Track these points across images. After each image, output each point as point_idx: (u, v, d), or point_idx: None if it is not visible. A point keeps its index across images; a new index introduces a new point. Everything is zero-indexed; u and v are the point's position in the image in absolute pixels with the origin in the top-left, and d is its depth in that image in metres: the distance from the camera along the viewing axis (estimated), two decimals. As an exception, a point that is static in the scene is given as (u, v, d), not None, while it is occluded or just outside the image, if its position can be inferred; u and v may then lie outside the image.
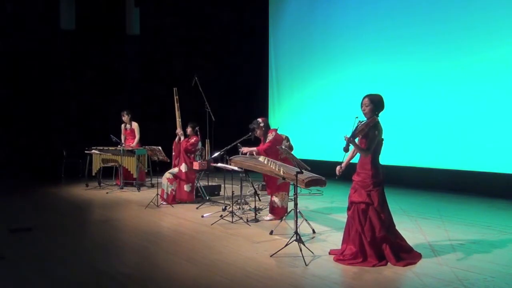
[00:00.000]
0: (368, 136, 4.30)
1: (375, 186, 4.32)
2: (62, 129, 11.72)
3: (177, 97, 8.36)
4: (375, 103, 4.35)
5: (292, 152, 4.93)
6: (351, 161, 4.63)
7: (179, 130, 7.88)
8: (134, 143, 9.61)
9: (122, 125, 9.82)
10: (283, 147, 5.28)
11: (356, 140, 4.37)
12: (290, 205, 6.56)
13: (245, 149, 6.45)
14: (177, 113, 8.19)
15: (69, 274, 4.15)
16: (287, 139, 7.37)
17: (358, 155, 4.54)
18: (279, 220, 6.04)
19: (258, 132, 6.40)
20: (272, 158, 5.96)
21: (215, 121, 8.80)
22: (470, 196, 8.19)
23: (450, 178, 8.74)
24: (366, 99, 4.39)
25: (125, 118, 9.68)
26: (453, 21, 8.64)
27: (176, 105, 8.30)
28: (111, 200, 8.15)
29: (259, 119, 6.45)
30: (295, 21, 12.19)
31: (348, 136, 4.25)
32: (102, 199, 8.21)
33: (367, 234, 4.26)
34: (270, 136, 6.29)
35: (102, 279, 4.00)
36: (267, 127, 6.43)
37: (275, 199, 6.28)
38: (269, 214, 6.36)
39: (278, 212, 6.27)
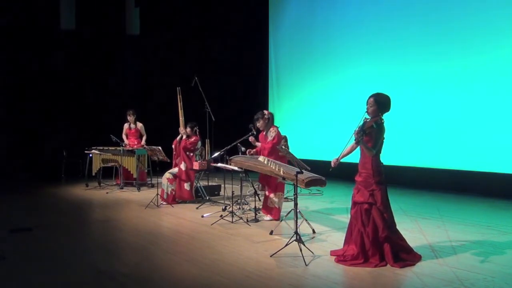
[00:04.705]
0: (373, 135, 4.29)
1: (378, 184, 4.31)
2: (62, 129, 11.73)
3: (180, 96, 8.36)
4: (379, 105, 4.32)
5: (292, 152, 4.93)
6: (352, 162, 4.62)
7: (182, 129, 7.88)
8: (143, 141, 9.66)
9: (126, 124, 9.84)
10: (283, 147, 5.28)
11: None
12: (286, 205, 6.58)
13: (252, 139, 6.45)
14: (180, 112, 8.19)
15: (69, 274, 4.15)
16: (285, 139, 7.36)
17: (355, 153, 4.53)
18: (279, 220, 6.04)
19: (261, 122, 6.34)
20: (275, 156, 5.97)
21: (215, 121, 8.80)
22: (470, 196, 8.19)
23: (450, 178, 8.74)
24: (372, 99, 4.35)
25: (131, 118, 9.71)
26: (454, 22, 8.64)
27: (180, 104, 8.30)
28: (111, 200, 8.15)
29: (265, 111, 6.44)
30: (295, 21, 12.19)
31: (356, 131, 4.20)
32: (102, 199, 8.21)
33: (369, 234, 4.25)
34: (273, 132, 6.28)
35: (102, 279, 4.00)
36: (270, 121, 6.40)
37: (275, 199, 6.26)
38: (268, 214, 6.34)
39: (275, 213, 6.27)
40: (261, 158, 5.90)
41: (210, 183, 8.66)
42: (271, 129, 6.34)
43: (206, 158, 7.95)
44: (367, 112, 4.35)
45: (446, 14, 8.76)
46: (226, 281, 3.88)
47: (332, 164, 4.43)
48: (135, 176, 9.17)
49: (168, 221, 6.43)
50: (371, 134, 4.28)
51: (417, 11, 9.25)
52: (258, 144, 6.46)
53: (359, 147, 4.40)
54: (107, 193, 8.85)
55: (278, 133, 6.33)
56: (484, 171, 8.19)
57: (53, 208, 7.54)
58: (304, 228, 5.46)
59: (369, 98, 4.39)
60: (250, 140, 6.54)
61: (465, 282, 3.77)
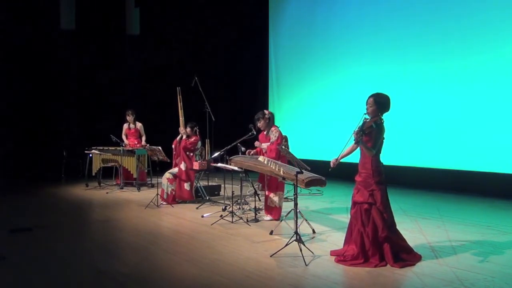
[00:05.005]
0: (373, 135, 4.29)
1: (377, 184, 4.30)
2: (62, 129, 11.73)
3: (180, 96, 8.37)
4: (379, 105, 4.33)
5: (292, 152, 4.93)
6: (352, 162, 4.62)
7: (182, 129, 7.89)
8: (142, 142, 9.67)
9: (125, 125, 9.85)
10: (283, 147, 5.28)
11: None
12: (286, 205, 6.58)
13: (257, 143, 6.45)
14: (180, 112, 8.20)
15: (69, 274, 4.15)
16: (286, 139, 7.35)
17: (355, 153, 4.53)
18: (279, 220, 6.04)
19: (262, 123, 6.34)
20: (278, 156, 5.96)
21: (215, 121, 8.80)
22: (470, 196, 8.19)
23: (450, 178, 8.74)
24: (371, 99, 4.36)
25: (130, 118, 9.71)
26: (454, 22, 8.64)
27: (180, 104, 8.31)
28: (111, 200, 8.15)
29: (265, 111, 6.44)
30: (295, 21, 12.19)
31: (355, 131, 4.21)
32: (102, 199, 8.21)
33: (369, 234, 4.25)
34: (275, 132, 6.28)
35: (102, 279, 4.00)
36: (271, 121, 6.40)
37: (275, 198, 6.26)
38: (269, 214, 6.34)
39: (276, 212, 6.27)
40: (261, 158, 5.90)
41: (210, 183, 8.66)
42: (272, 128, 6.34)
43: (206, 158, 7.95)
44: (367, 112, 4.35)
45: (446, 14, 8.76)
46: (226, 281, 3.88)
47: (331, 165, 4.43)
48: (135, 176, 9.17)
49: (168, 221, 6.43)
50: (370, 134, 4.28)
51: (417, 11, 9.24)
52: (264, 146, 6.42)
53: (359, 147, 4.40)
54: (107, 193, 8.85)
55: (280, 133, 6.33)
56: (484, 171, 8.19)
57: (53, 208, 7.54)
58: (304, 228, 5.46)
59: (368, 98, 4.39)
60: (256, 145, 6.52)
61: (465, 282, 3.77)
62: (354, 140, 4.21)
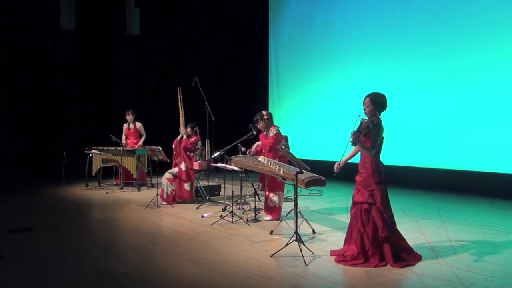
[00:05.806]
0: (371, 135, 4.29)
1: (377, 184, 4.30)
2: (62, 129, 11.73)
3: (180, 96, 8.37)
4: (375, 104, 4.34)
5: (292, 152, 4.92)
6: (352, 162, 4.62)
7: (182, 129, 7.89)
8: (140, 142, 9.65)
9: (125, 125, 9.84)
10: (283, 147, 5.28)
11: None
12: (286, 205, 6.58)
13: (253, 148, 6.46)
14: (181, 112, 8.20)
15: (69, 274, 4.15)
16: (286, 139, 7.35)
17: (358, 155, 4.54)
18: (279, 220, 6.04)
19: (261, 124, 6.36)
20: (275, 154, 5.95)
21: (215, 121, 8.80)
22: (470, 196, 8.19)
23: (450, 178, 8.74)
24: (367, 99, 4.37)
25: (129, 117, 9.70)
26: (455, 22, 8.64)
27: (180, 104, 8.31)
28: (111, 200, 8.15)
29: (263, 112, 6.44)
30: (295, 21, 12.19)
31: (352, 132, 4.21)
32: (102, 199, 8.21)
33: (369, 234, 4.25)
34: (274, 130, 6.29)
35: (102, 279, 4.00)
36: (270, 121, 6.41)
37: (274, 198, 6.26)
38: (269, 214, 6.34)
39: (276, 212, 6.27)
40: (261, 158, 5.89)
41: (210, 183, 8.65)
42: (272, 128, 6.35)
43: (206, 158, 7.95)
44: (364, 112, 4.37)
45: (446, 14, 8.76)
46: (226, 281, 3.88)
47: (335, 169, 4.45)
48: (135, 176, 9.17)
49: (168, 221, 6.43)
50: (369, 134, 4.29)
51: (417, 11, 9.24)
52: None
53: None
54: (107, 193, 8.85)
55: (278, 132, 6.34)
56: (484, 171, 8.19)
57: (53, 208, 7.54)
58: (304, 228, 5.46)
59: (365, 98, 4.41)
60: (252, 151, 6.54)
61: (465, 282, 3.77)
62: (351, 141, 4.21)
